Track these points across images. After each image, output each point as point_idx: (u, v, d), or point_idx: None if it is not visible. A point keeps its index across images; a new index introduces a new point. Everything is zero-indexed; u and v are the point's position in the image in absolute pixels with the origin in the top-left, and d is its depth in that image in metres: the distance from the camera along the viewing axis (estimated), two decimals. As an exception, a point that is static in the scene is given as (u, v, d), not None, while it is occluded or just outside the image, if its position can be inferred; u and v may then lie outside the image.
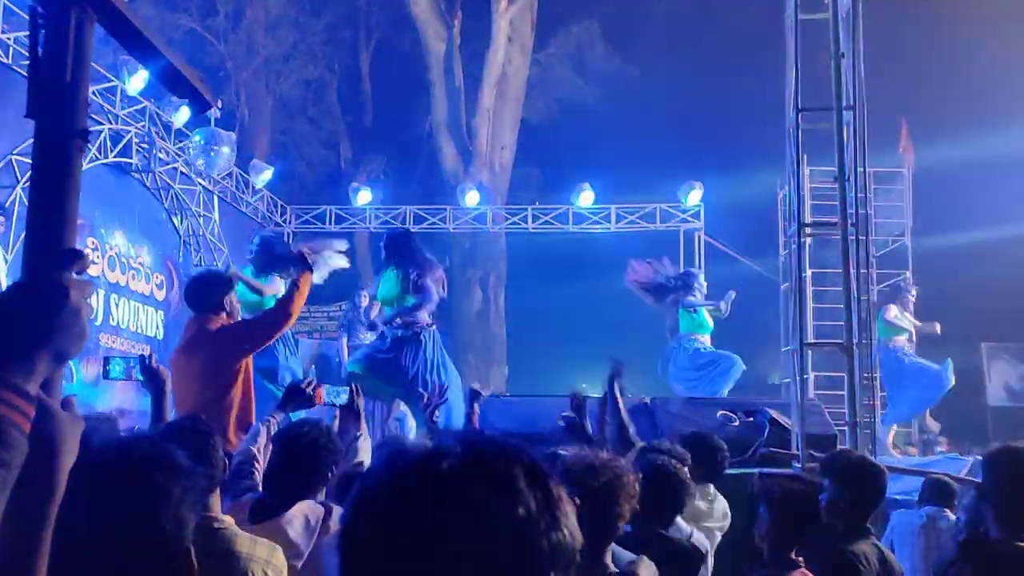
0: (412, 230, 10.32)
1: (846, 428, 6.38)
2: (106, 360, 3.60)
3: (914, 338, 10.39)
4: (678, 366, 10.07)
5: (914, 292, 10.57)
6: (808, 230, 6.85)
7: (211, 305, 4.55)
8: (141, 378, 3.32)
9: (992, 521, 2.49)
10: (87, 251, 4.77)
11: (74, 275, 1.01)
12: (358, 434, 3.14)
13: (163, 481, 1.39)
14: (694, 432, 4.29)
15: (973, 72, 17.52)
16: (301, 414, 3.58)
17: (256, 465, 2.80)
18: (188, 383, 4.43)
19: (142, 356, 3.35)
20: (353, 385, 3.36)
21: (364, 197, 14.87)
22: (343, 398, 3.30)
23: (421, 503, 0.77)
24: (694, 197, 14.44)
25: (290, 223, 15.24)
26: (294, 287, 4.95)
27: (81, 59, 1.11)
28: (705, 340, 10.14)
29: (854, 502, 2.78)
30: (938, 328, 10.41)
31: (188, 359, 4.48)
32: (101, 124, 9.88)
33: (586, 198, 14.50)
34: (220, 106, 13.38)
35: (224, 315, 4.56)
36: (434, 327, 7.74)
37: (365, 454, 3.08)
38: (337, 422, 3.46)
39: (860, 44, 6.36)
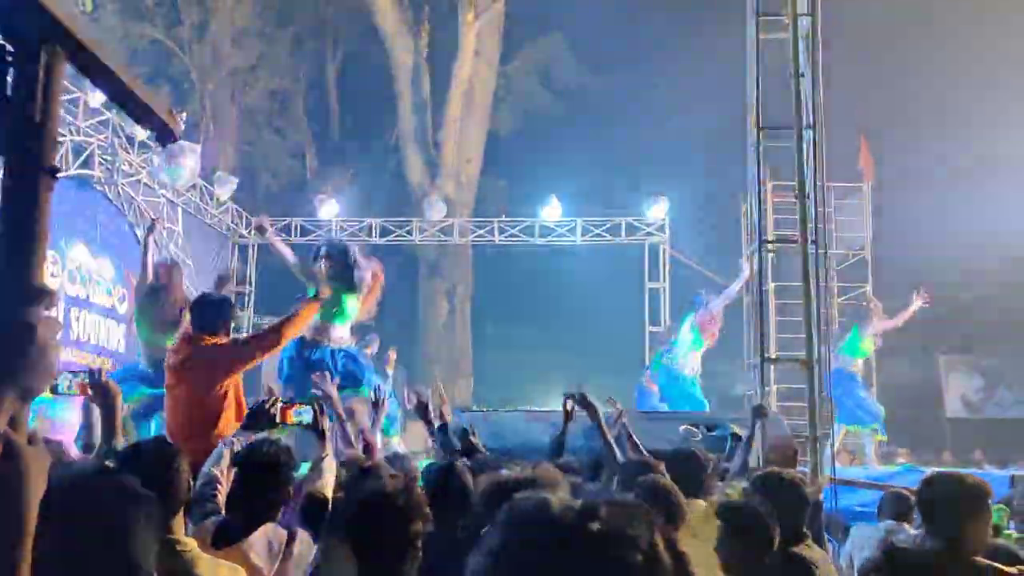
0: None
1: (806, 441, 6.47)
2: None
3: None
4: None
5: (875, 305, 10.62)
6: (770, 246, 6.98)
7: (216, 326, 4.52)
8: (91, 393, 3.20)
9: (930, 537, 2.73)
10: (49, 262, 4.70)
11: (42, 312, 1.02)
12: (323, 455, 3.10)
13: (127, 514, 1.40)
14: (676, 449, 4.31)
15: (930, 88, 17.88)
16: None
17: (219, 487, 2.78)
18: (179, 407, 4.39)
19: (91, 370, 3.21)
20: (316, 405, 3.29)
21: (330, 209, 14.80)
22: (307, 418, 3.22)
23: (565, 563, 0.82)
24: (659, 211, 14.54)
25: (255, 235, 15.13)
26: (296, 313, 4.76)
27: (51, 97, 1.13)
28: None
29: (781, 517, 2.95)
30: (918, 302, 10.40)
31: (180, 382, 4.41)
32: (63, 136, 9.76)
33: (552, 211, 14.54)
34: (185, 118, 13.23)
35: (222, 335, 4.53)
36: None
37: (330, 475, 3.04)
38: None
39: (819, 64, 6.50)
